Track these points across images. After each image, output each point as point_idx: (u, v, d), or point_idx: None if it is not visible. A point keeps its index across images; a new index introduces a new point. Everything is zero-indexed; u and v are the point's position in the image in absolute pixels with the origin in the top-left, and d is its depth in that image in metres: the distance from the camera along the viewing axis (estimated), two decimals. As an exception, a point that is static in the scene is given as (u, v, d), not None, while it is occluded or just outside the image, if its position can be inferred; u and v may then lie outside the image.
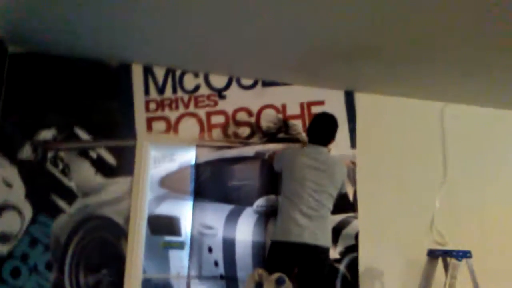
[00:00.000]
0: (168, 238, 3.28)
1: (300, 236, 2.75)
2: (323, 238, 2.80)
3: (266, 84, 3.51)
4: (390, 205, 3.59)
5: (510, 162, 3.92)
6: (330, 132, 3.01)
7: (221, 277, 3.20)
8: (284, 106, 3.52)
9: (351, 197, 3.48)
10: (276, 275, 2.56)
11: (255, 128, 3.45)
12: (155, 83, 3.29)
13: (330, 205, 2.89)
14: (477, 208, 3.76)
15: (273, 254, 2.87)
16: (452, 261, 2.88)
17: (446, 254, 2.98)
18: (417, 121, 3.78)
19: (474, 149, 3.85)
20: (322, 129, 3.00)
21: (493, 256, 3.61)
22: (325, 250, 2.82)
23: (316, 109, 3.56)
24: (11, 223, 2.92)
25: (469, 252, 2.91)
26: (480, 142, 3.87)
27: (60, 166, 3.04)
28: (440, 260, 3.14)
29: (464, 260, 2.90)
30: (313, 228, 2.77)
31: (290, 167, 2.96)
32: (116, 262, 3.02)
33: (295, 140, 3.48)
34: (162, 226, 3.29)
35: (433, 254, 3.14)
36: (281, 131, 3.50)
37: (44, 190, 2.99)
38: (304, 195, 2.82)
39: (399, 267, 3.50)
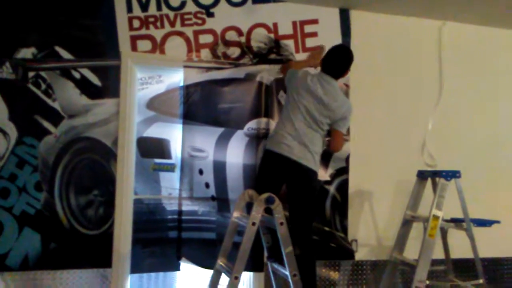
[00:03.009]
0: (158, 160, 3.26)
1: (289, 152, 2.74)
2: (311, 162, 2.77)
3: (256, 1, 3.32)
4: (382, 127, 3.57)
5: (505, 84, 3.85)
6: (344, 66, 2.89)
7: (213, 198, 3.23)
8: (275, 25, 3.36)
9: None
10: (266, 195, 2.56)
11: (245, 48, 3.32)
12: (138, -2, 3.11)
13: (321, 129, 2.82)
14: (469, 130, 3.75)
15: (264, 162, 2.89)
16: (441, 181, 2.89)
17: (436, 174, 3.00)
18: (413, 40, 3.65)
19: (470, 70, 3.77)
20: (336, 61, 2.87)
21: (481, 178, 3.66)
22: (313, 172, 2.80)
23: (309, 29, 3.42)
24: (-4, 144, 2.88)
25: (458, 172, 2.92)
26: (476, 63, 3.79)
27: (43, 86, 2.94)
28: (429, 181, 3.17)
29: (452, 180, 2.91)
30: (302, 149, 2.75)
31: (295, 87, 2.87)
32: (106, 183, 3.03)
33: (287, 61, 3.36)
34: (152, 149, 3.25)
35: (422, 175, 3.16)
36: (272, 52, 3.37)
37: (28, 111, 2.92)
38: (298, 116, 2.79)
39: (389, 188, 3.55)
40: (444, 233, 3.17)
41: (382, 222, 3.55)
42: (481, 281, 2.89)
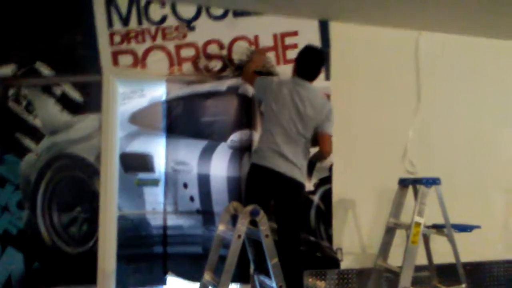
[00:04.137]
0: (142, 175, 3.25)
1: (276, 166, 2.73)
2: (298, 174, 2.76)
3: (237, 14, 3.36)
4: (364, 137, 3.62)
5: (482, 91, 3.95)
6: (317, 67, 2.88)
7: (198, 211, 3.23)
8: (256, 38, 3.40)
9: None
10: (250, 207, 2.57)
11: (227, 61, 3.34)
12: (119, 13, 3.11)
13: (304, 140, 2.80)
14: (448, 137, 3.83)
15: (251, 177, 2.85)
16: (421, 188, 2.95)
17: (416, 182, 3.05)
18: (392, 50, 3.73)
19: (447, 78, 3.85)
20: (309, 64, 2.86)
21: (461, 184, 3.74)
22: (300, 185, 2.78)
23: (289, 40, 3.46)
24: (-24, 164, 2.84)
25: (438, 179, 2.99)
26: (453, 70, 3.88)
27: (23, 103, 2.92)
28: (411, 188, 3.22)
29: (433, 187, 2.97)
30: (287, 164, 2.73)
31: (273, 97, 2.85)
32: (90, 200, 3.00)
33: (268, 73, 3.40)
34: (135, 164, 3.25)
35: (404, 183, 3.22)
36: (254, 64, 3.41)
37: (8, 128, 2.89)
38: (278, 130, 2.77)
39: (372, 196, 3.60)
40: (426, 239, 3.22)
41: (366, 230, 3.59)
42: (463, 285, 2.95)
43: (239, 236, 2.54)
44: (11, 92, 2.90)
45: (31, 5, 2.97)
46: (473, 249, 3.59)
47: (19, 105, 2.91)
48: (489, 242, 3.81)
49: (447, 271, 3.45)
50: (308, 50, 2.90)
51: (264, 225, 2.58)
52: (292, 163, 2.73)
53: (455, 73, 3.87)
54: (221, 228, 2.78)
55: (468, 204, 3.74)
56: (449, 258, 3.09)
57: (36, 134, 2.93)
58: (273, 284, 2.59)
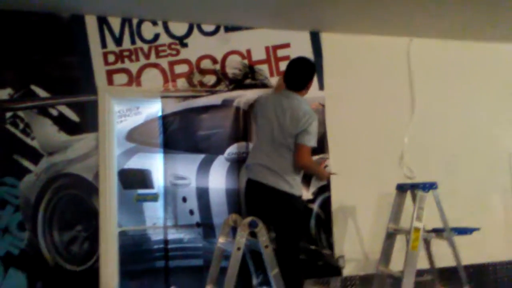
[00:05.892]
0: (141, 191, 3.28)
1: (265, 179, 2.75)
2: (286, 185, 2.73)
3: (229, 29, 3.41)
4: (360, 144, 3.64)
5: (475, 93, 3.97)
6: (303, 77, 2.87)
7: (198, 224, 3.25)
8: (249, 51, 3.45)
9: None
10: (249, 219, 2.60)
11: (221, 76, 3.39)
12: (112, 34, 3.16)
13: (290, 151, 2.74)
14: (444, 141, 3.84)
15: (247, 191, 2.92)
16: (419, 193, 2.96)
17: (414, 187, 3.06)
18: (384, 58, 3.77)
19: (440, 82, 3.88)
20: (293, 74, 2.86)
21: (460, 186, 3.75)
22: (290, 196, 2.74)
23: (282, 52, 3.50)
24: (-23, 188, 2.87)
25: (435, 183, 2.99)
26: (445, 74, 3.90)
27: (20, 126, 2.96)
28: (408, 193, 3.23)
29: (430, 192, 2.98)
30: (275, 177, 2.73)
31: (259, 111, 2.95)
32: (89, 218, 3.02)
33: (262, 85, 3.44)
34: (134, 180, 3.28)
35: (402, 188, 3.23)
36: (247, 77, 3.45)
37: (7, 151, 2.92)
38: (264, 144, 2.82)
39: (371, 203, 3.61)
40: (428, 244, 3.22)
41: (367, 236, 3.59)
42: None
43: (239, 249, 2.57)
44: (8, 115, 2.94)
45: (24, 29, 3.03)
46: (476, 251, 3.59)
47: (17, 128, 2.95)
48: (492, 243, 3.81)
49: (450, 274, 3.45)
50: (292, 61, 2.92)
51: (263, 236, 2.61)
52: (278, 175, 2.73)
53: (448, 77, 3.90)
54: (221, 240, 2.80)
55: (468, 206, 3.74)
56: (452, 261, 3.07)
57: (35, 155, 2.96)
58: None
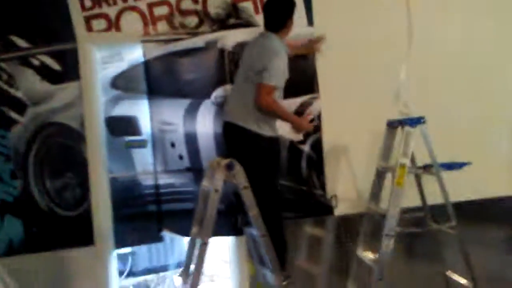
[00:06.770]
0: (130, 138, 3.32)
1: (235, 118, 2.75)
2: (255, 125, 2.70)
3: (209, -36, 3.25)
4: (353, 80, 3.47)
5: (477, 19, 3.68)
6: (279, 16, 2.77)
7: (187, 169, 3.28)
8: (232, -12, 3.30)
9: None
10: (226, 161, 2.60)
11: (203, 16, 3.27)
12: (86, -23, 3.08)
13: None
14: (445, 73, 3.61)
15: (222, 135, 2.92)
16: (406, 128, 2.86)
17: (402, 123, 2.96)
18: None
19: (439, 9, 3.61)
20: (269, 13, 2.79)
21: (464, 119, 3.58)
22: (256, 135, 2.72)
23: (267, -12, 3.33)
24: (-33, 139, 2.96)
25: (422, 118, 2.88)
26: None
27: (4, 76, 2.99)
28: (399, 130, 3.13)
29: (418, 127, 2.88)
30: (243, 113, 2.72)
31: (242, 55, 2.91)
32: (79, 165, 3.10)
33: (247, 24, 3.31)
34: (121, 127, 3.31)
35: (392, 125, 3.13)
36: (231, 17, 3.31)
37: (-7, 103, 2.98)
38: (238, 81, 2.83)
39: (364, 141, 3.49)
40: (419, 180, 3.16)
41: (360, 175, 3.53)
42: (453, 223, 2.91)
43: (216, 190, 2.60)
44: (-10, 67, 2.98)
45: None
46: (477, 187, 3.49)
47: (1, 79, 2.99)
48: (494, 178, 3.69)
49: (443, 211, 3.41)
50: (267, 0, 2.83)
51: (241, 178, 2.61)
52: (248, 115, 2.71)
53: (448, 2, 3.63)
54: (205, 183, 2.84)
55: (471, 140, 3.59)
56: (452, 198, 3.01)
57: (20, 106, 3.01)
58: (256, 235, 2.65)
